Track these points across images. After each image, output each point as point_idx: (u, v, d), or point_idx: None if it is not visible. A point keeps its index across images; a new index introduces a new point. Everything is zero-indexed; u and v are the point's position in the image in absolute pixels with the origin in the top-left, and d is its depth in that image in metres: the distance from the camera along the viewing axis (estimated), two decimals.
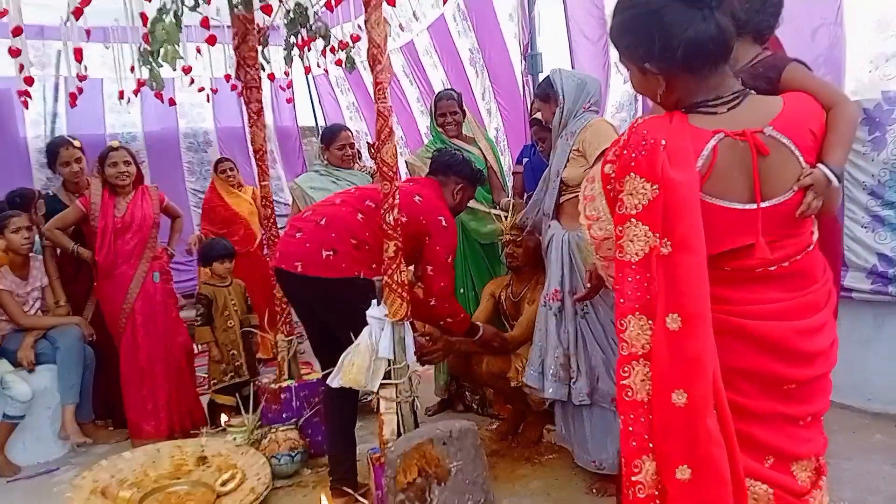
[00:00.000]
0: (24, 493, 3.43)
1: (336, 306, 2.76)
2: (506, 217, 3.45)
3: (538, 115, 3.05)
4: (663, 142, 1.39)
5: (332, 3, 3.86)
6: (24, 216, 3.97)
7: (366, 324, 2.62)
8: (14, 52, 3.89)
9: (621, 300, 1.43)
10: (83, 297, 4.12)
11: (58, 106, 7.23)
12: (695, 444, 1.34)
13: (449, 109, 3.88)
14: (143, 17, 3.86)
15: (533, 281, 3.41)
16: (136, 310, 3.84)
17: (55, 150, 4.06)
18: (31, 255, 4.03)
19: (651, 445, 1.40)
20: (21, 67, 3.99)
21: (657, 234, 1.38)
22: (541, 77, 4.92)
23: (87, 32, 4.15)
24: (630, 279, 1.41)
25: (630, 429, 1.42)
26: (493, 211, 3.65)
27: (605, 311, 2.78)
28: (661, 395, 1.37)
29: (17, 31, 3.73)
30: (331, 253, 2.69)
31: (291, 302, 3.19)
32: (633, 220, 1.41)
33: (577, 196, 2.80)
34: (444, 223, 2.86)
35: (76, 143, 4.07)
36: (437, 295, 2.87)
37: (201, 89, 6.18)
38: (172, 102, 6.01)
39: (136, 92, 5.52)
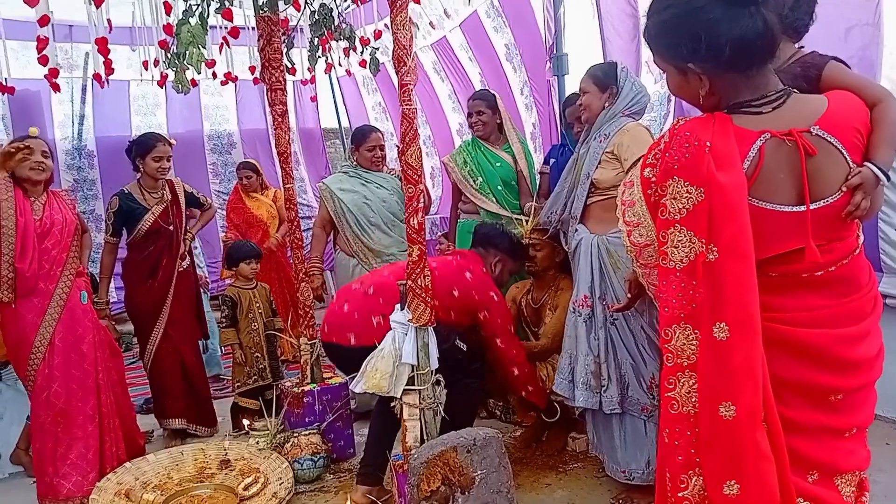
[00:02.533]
0: None
1: None
2: (527, 222, 3.40)
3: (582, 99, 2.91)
4: (708, 143, 1.34)
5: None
6: None
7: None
8: (42, 42, 3.89)
9: (665, 309, 1.39)
10: (160, 296, 3.79)
11: (85, 108, 7.31)
12: (743, 458, 1.29)
13: (475, 109, 3.86)
14: (167, 6, 3.92)
15: (553, 287, 3.36)
16: (59, 335, 3.15)
17: (151, 144, 3.77)
18: None
19: (698, 460, 1.35)
20: (45, 59, 3.96)
21: (703, 240, 1.33)
22: (567, 79, 4.88)
23: (109, 23, 4.12)
24: (674, 287, 1.37)
25: (676, 443, 1.37)
26: (515, 216, 3.61)
27: (636, 317, 2.71)
28: (708, 408, 1.33)
29: (45, 21, 3.75)
30: (380, 319, 2.76)
31: (343, 371, 3.21)
32: (676, 225, 1.36)
33: (605, 199, 2.79)
34: (494, 297, 2.98)
35: (172, 142, 3.94)
36: (517, 363, 3.03)
37: (224, 82, 6.21)
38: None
39: (160, 83, 5.48)
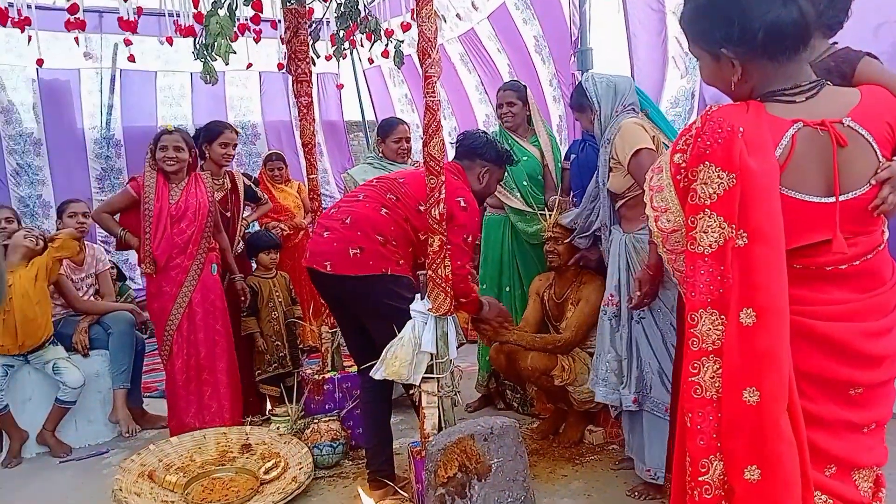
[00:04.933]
0: (75, 473, 3.54)
1: (366, 303, 2.78)
2: (550, 215, 3.41)
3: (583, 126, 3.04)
4: (741, 129, 1.35)
5: None
6: (83, 203, 4.11)
7: (396, 319, 2.65)
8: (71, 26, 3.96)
9: (692, 293, 1.39)
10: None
11: (113, 98, 7.43)
12: (765, 444, 1.30)
13: (505, 100, 3.84)
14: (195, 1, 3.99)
15: (576, 282, 3.37)
16: (195, 303, 3.60)
17: (219, 130, 3.97)
18: (86, 242, 4.16)
19: (720, 445, 1.36)
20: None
21: (733, 226, 1.34)
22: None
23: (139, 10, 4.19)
24: (703, 272, 1.37)
25: (698, 427, 1.37)
26: (539, 212, 3.61)
27: (665, 314, 2.71)
28: (732, 393, 1.33)
29: (74, 9, 3.83)
30: (357, 251, 2.70)
31: (324, 299, 3.21)
32: (706, 210, 1.36)
33: (628, 199, 2.81)
34: (462, 204, 2.78)
35: (238, 131, 4.14)
36: (453, 273, 2.75)
37: (249, 65, 6.29)
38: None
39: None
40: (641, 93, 3.03)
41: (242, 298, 3.93)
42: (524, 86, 3.94)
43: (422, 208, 2.70)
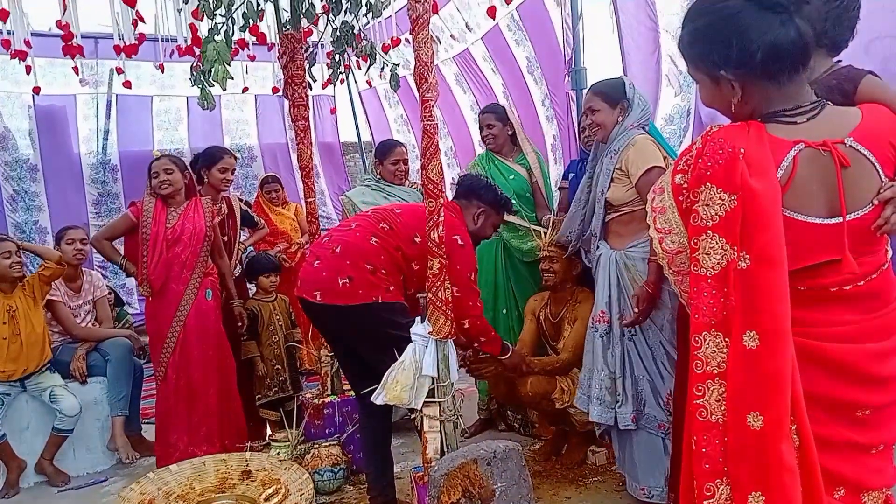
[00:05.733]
0: (73, 502, 3.51)
1: (357, 331, 2.78)
2: (545, 234, 3.41)
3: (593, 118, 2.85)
4: (742, 150, 1.34)
5: None
6: (81, 229, 4.11)
7: (395, 345, 2.63)
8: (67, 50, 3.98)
9: (696, 315, 1.38)
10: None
11: (109, 123, 7.45)
12: (768, 471, 1.29)
13: (485, 123, 3.91)
14: (192, 27, 4.01)
15: (572, 301, 3.36)
16: (189, 327, 3.59)
17: (219, 155, 4.03)
18: (83, 269, 4.16)
19: (726, 469, 1.34)
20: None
21: (735, 247, 1.33)
22: (584, 93, 4.90)
23: (138, 16, 4.19)
24: (706, 294, 1.36)
25: (703, 450, 1.36)
26: (533, 227, 3.62)
27: (655, 332, 2.72)
28: (737, 417, 1.32)
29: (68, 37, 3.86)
30: (346, 281, 2.70)
31: (316, 327, 3.19)
32: (708, 232, 1.36)
33: (621, 214, 2.81)
34: (459, 242, 2.79)
35: (236, 156, 4.19)
36: (469, 315, 2.81)
37: (245, 89, 6.31)
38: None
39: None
40: None
41: (239, 324, 3.92)
42: (503, 107, 4.01)
43: (417, 240, 2.72)
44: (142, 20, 4.17)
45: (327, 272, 2.75)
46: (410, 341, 2.63)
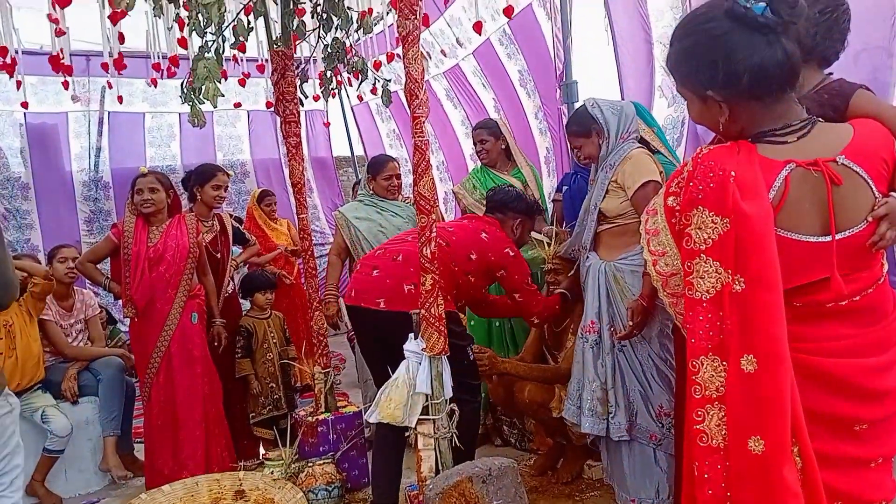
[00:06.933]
0: None
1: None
2: (548, 245, 3.41)
3: (579, 153, 2.95)
4: (733, 173, 1.33)
5: None
6: (73, 248, 4.10)
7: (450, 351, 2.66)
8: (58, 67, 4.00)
9: (692, 340, 1.37)
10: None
11: (101, 140, 7.43)
12: (771, 496, 1.27)
13: (478, 138, 3.98)
14: (182, 41, 4.01)
15: (575, 312, 3.36)
16: (173, 353, 3.51)
17: (212, 172, 4.00)
18: (75, 288, 4.13)
19: (729, 494, 1.33)
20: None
21: (729, 271, 1.32)
22: (576, 106, 4.91)
23: (121, 36, 4.19)
24: (701, 318, 1.35)
25: (706, 476, 1.35)
26: (535, 237, 3.61)
27: (643, 344, 2.72)
28: (738, 442, 1.30)
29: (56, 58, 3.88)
30: (412, 287, 2.76)
31: (365, 339, 3.15)
32: (702, 255, 1.35)
33: (613, 226, 2.81)
34: (511, 253, 3.04)
35: (230, 173, 4.19)
36: (535, 311, 3.16)
37: (237, 105, 6.33)
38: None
39: None
40: (646, 112, 3.07)
41: (216, 343, 3.83)
42: (496, 121, 4.04)
43: (473, 257, 2.93)
44: (121, 39, 4.15)
45: (391, 279, 2.83)
46: (462, 348, 2.75)
